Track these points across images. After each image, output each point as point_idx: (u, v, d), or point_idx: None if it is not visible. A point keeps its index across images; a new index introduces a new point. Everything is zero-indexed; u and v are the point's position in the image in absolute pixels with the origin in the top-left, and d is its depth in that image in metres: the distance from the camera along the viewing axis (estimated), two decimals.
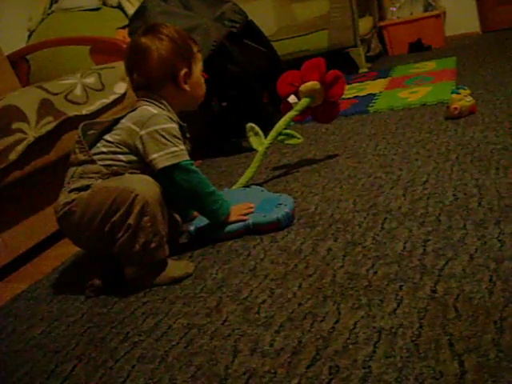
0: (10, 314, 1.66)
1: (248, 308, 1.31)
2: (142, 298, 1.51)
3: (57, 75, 2.37)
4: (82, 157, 1.59)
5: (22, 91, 2.11)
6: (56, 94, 2.05)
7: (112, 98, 2.27)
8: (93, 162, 1.57)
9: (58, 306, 1.61)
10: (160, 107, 1.65)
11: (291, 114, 2.13)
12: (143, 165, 1.59)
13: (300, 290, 1.33)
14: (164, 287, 1.53)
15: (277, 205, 1.74)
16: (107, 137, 1.62)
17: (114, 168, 1.58)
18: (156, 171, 1.56)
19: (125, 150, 1.60)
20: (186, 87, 1.69)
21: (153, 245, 1.51)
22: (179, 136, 1.62)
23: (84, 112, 2.13)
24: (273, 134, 2.11)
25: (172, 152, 1.57)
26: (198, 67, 1.74)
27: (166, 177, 1.57)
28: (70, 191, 1.56)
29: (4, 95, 2.03)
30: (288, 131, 2.15)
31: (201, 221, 1.76)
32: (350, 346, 1.08)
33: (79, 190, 1.55)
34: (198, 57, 1.75)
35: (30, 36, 3.43)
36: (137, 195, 1.46)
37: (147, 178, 1.54)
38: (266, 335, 1.19)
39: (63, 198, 1.57)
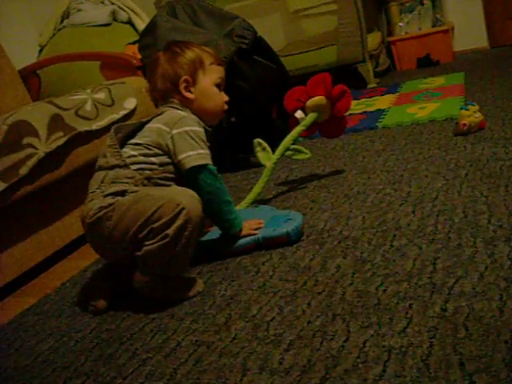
0: (19, 328, 1.66)
1: (257, 325, 1.31)
2: (150, 314, 1.51)
3: (67, 90, 2.39)
4: (114, 161, 1.58)
5: (33, 106, 2.12)
6: (66, 110, 2.06)
7: (122, 113, 2.28)
8: (126, 166, 1.57)
9: (66, 322, 1.61)
10: (185, 111, 1.69)
11: (298, 129, 2.14)
12: (175, 168, 1.61)
13: (309, 308, 1.32)
14: (172, 303, 1.53)
15: (286, 220, 1.75)
16: (134, 140, 1.63)
17: (147, 172, 1.59)
18: (184, 171, 1.59)
19: (156, 151, 1.61)
20: (190, 95, 1.72)
21: (180, 260, 1.51)
22: (205, 140, 1.65)
23: (94, 127, 2.14)
24: (280, 149, 2.12)
25: (201, 153, 1.60)
26: (208, 78, 1.76)
27: (192, 177, 1.59)
28: (105, 196, 1.53)
29: (15, 110, 2.04)
30: (296, 146, 2.16)
31: (212, 236, 1.76)
32: (360, 365, 1.08)
33: (115, 194, 1.53)
34: (212, 68, 1.77)
35: (40, 51, 3.46)
36: (183, 208, 1.45)
37: (193, 194, 1.52)
38: (275, 353, 1.19)
39: (97, 202, 1.53)
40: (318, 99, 2.12)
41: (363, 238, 1.62)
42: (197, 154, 1.59)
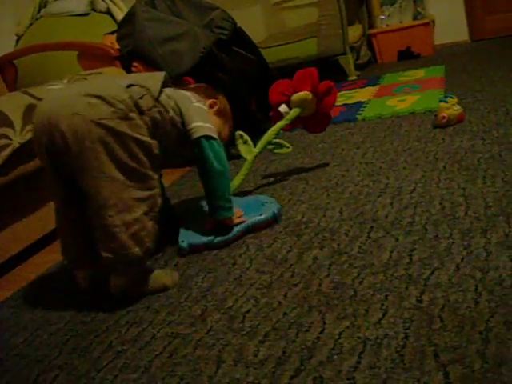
0: None
1: (233, 317, 1.30)
2: (126, 306, 1.49)
3: (44, 80, 2.35)
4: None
5: (9, 96, 2.09)
6: (42, 100, 2.03)
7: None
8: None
9: (41, 314, 1.59)
10: None
11: (281, 123, 2.12)
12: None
13: (285, 300, 1.32)
14: (148, 296, 1.52)
15: (263, 204, 1.81)
16: None
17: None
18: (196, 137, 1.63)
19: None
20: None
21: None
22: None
23: None
24: (262, 142, 2.10)
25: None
26: None
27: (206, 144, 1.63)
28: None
29: None
30: (277, 140, 2.14)
31: (190, 235, 1.75)
32: (335, 357, 1.07)
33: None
34: None
35: (17, 41, 3.41)
36: None
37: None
38: (251, 345, 1.18)
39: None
40: (304, 94, 2.10)
41: (340, 229, 1.62)
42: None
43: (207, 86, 1.92)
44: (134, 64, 2.53)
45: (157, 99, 1.57)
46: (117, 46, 2.63)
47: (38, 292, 1.75)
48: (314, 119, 2.18)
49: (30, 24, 3.37)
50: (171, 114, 1.61)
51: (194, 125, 1.63)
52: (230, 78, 2.58)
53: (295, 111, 2.12)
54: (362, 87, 3.61)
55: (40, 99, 2.01)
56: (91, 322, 1.46)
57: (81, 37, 2.91)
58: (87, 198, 1.44)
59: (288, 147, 2.17)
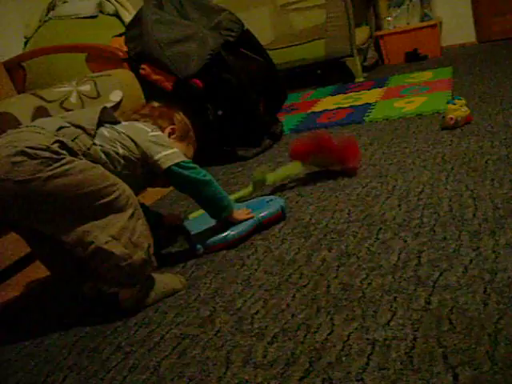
0: (2, 322, 1.64)
1: (241, 319, 1.31)
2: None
3: (53, 83, 2.36)
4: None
5: (18, 98, 2.10)
6: (51, 102, 2.04)
7: (107, 106, 2.26)
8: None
9: (50, 315, 1.60)
10: None
11: (298, 166, 2.13)
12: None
13: (294, 301, 1.32)
14: None
15: (267, 201, 1.85)
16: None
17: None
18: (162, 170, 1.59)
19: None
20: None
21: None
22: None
23: None
24: (276, 177, 2.12)
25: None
26: None
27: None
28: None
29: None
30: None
31: (202, 235, 1.76)
32: (344, 358, 1.07)
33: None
34: None
35: (26, 43, 3.42)
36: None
37: None
38: (259, 346, 1.18)
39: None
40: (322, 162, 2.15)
41: (348, 231, 1.62)
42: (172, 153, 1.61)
43: (161, 106, 1.86)
44: (142, 66, 2.54)
45: (94, 136, 1.52)
46: (125, 49, 2.63)
47: (47, 293, 1.75)
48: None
49: (39, 26, 3.38)
50: (121, 151, 1.56)
51: (158, 156, 1.58)
52: (238, 79, 2.58)
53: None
54: (369, 89, 3.61)
55: (50, 101, 2.02)
56: (100, 323, 1.47)
57: (89, 39, 2.91)
58: (62, 241, 1.40)
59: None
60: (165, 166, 1.58)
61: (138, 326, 1.40)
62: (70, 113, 1.65)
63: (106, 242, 1.37)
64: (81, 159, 1.41)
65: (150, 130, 1.65)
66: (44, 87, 2.24)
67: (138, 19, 2.64)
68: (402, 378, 0.98)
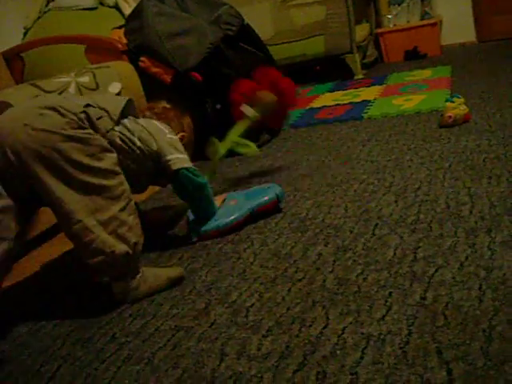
0: None
1: (236, 311, 1.31)
2: None
3: (51, 74, 2.36)
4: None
5: (16, 88, 2.09)
6: (49, 92, 2.03)
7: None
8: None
9: (44, 305, 1.60)
10: None
11: (245, 123, 2.12)
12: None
13: (289, 295, 1.32)
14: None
15: (265, 189, 1.86)
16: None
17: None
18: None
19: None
20: None
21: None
22: None
23: None
24: (227, 143, 2.10)
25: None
26: None
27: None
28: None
29: None
30: (243, 140, 2.14)
31: (197, 224, 1.78)
32: (338, 352, 1.08)
33: None
34: None
35: (25, 34, 3.41)
36: None
37: None
38: (254, 339, 1.18)
39: None
40: (267, 97, 2.13)
41: (345, 226, 1.62)
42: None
43: (172, 108, 1.89)
44: (142, 59, 2.53)
45: (117, 123, 1.56)
46: (124, 41, 2.63)
47: (41, 283, 1.76)
48: (275, 116, 2.24)
49: (38, 17, 3.36)
50: (138, 143, 1.60)
51: (170, 157, 1.64)
52: (237, 74, 2.57)
53: (254, 116, 2.12)
54: (368, 86, 3.61)
55: (48, 91, 2.02)
56: (95, 314, 1.47)
57: (88, 31, 2.90)
58: (53, 210, 1.41)
59: (253, 148, 2.16)
60: (175, 167, 1.64)
61: (133, 318, 1.40)
62: (96, 95, 1.66)
63: (93, 226, 1.38)
64: None
65: (167, 131, 1.71)
66: (43, 78, 2.23)
67: (138, 12, 2.64)
68: (396, 373, 0.98)
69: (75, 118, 1.39)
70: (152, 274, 1.52)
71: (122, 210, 1.43)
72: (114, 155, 1.47)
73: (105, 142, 1.45)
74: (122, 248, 1.41)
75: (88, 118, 1.43)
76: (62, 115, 1.37)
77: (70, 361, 1.28)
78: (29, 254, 2.03)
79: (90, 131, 1.42)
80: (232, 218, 1.75)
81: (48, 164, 1.35)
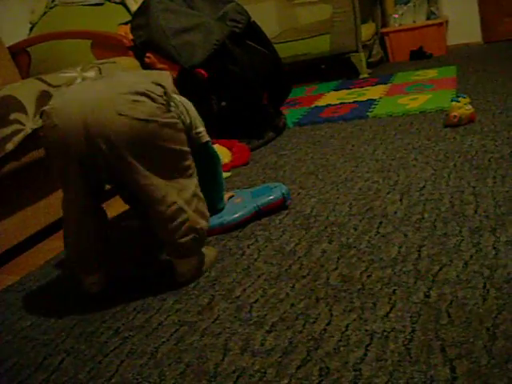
0: (1, 305, 1.64)
1: (240, 307, 1.31)
2: (133, 293, 1.50)
3: (57, 68, 2.36)
4: None
5: (22, 83, 2.10)
6: (55, 87, 2.04)
7: None
8: None
9: (48, 299, 1.60)
10: None
11: None
12: None
13: (293, 291, 1.32)
14: (156, 283, 1.53)
15: (271, 188, 1.85)
16: None
17: None
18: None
19: None
20: None
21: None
22: None
23: None
24: None
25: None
26: None
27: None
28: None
29: (3, 86, 2.01)
30: None
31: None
32: (342, 348, 1.08)
33: None
34: None
35: (31, 28, 3.41)
36: None
37: None
38: (258, 335, 1.18)
39: None
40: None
41: (349, 224, 1.62)
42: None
43: None
44: (148, 55, 2.53)
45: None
46: (130, 37, 2.63)
47: (46, 277, 1.75)
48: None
49: (45, 12, 3.37)
50: (182, 117, 1.56)
51: (200, 129, 1.64)
52: (243, 71, 2.58)
53: None
54: (373, 85, 3.60)
55: (54, 86, 2.02)
56: (98, 308, 1.47)
57: (95, 26, 2.90)
58: (143, 196, 1.42)
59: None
60: (205, 139, 1.66)
61: (137, 312, 1.40)
62: (139, 72, 1.63)
63: (184, 205, 1.43)
64: None
65: (191, 103, 1.68)
66: (48, 73, 2.24)
67: (144, 8, 2.64)
68: (400, 370, 0.98)
69: (163, 101, 1.39)
70: (206, 253, 1.56)
71: (197, 186, 1.49)
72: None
73: (180, 123, 1.45)
74: (204, 224, 1.48)
75: (167, 99, 1.42)
76: (153, 100, 1.36)
77: (73, 354, 1.28)
78: (33, 248, 2.05)
79: (174, 114, 1.42)
80: (236, 215, 1.75)
81: (143, 153, 1.37)
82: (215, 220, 1.74)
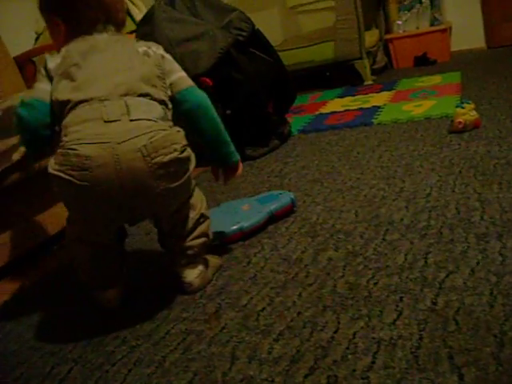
0: (8, 313, 1.65)
1: (247, 315, 1.31)
2: (140, 302, 1.51)
3: None
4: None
5: (28, 92, 2.10)
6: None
7: None
8: None
9: (56, 308, 1.61)
10: None
11: None
12: None
13: (300, 299, 1.32)
14: (163, 292, 1.53)
15: (277, 195, 1.88)
16: None
17: None
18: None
19: None
20: None
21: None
22: None
23: None
24: None
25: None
26: None
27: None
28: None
29: (10, 96, 2.02)
30: None
31: (217, 227, 1.77)
32: (349, 356, 1.08)
33: None
34: None
35: (37, 39, 3.44)
36: None
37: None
38: (265, 343, 1.18)
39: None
40: None
41: (355, 231, 1.62)
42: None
43: None
44: None
45: None
46: None
47: (53, 286, 1.76)
48: None
49: None
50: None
51: (179, 74, 1.50)
52: (247, 79, 2.59)
53: None
54: (377, 92, 3.61)
55: None
56: (105, 317, 1.47)
57: None
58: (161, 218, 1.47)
59: None
60: (188, 83, 1.52)
61: (144, 321, 1.40)
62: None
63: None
64: None
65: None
66: None
67: (149, 17, 2.65)
68: (408, 377, 0.98)
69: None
70: (209, 260, 1.57)
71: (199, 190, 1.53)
72: None
73: None
74: (211, 230, 1.56)
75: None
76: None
77: (80, 363, 1.29)
78: (41, 256, 2.05)
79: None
80: (254, 220, 1.76)
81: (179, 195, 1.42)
82: (233, 226, 1.74)
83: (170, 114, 1.43)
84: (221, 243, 1.72)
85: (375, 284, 1.31)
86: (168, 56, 1.52)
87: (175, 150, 1.29)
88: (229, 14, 2.68)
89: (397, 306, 1.20)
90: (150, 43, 1.53)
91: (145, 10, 2.97)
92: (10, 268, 1.97)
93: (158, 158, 1.26)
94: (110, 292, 1.50)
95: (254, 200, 1.88)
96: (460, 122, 2.31)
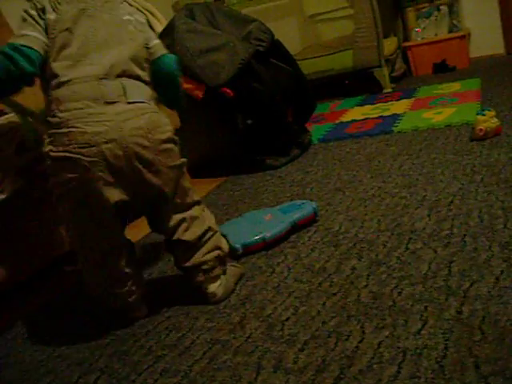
0: (35, 323, 1.67)
1: (272, 325, 1.32)
2: (165, 312, 1.52)
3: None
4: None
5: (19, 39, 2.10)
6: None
7: None
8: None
9: (82, 318, 1.63)
10: None
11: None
12: None
13: (324, 309, 1.33)
14: (187, 302, 1.54)
15: (300, 205, 1.89)
16: None
17: None
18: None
19: None
20: None
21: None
22: None
23: None
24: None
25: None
26: None
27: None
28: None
29: None
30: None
31: (239, 237, 1.79)
32: (375, 366, 1.08)
33: None
34: None
35: None
36: None
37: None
38: (290, 352, 1.19)
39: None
40: None
41: (378, 240, 1.62)
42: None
43: None
44: None
45: None
46: None
47: (79, 296, 1.78)
48: None
49: None
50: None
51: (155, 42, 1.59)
52: (267, 89, 2.60)
53: None
54: (397, 100, 3.60)
55: None
56: (131, 327, 1.49)
57: None
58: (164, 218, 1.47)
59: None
60: (163, 51, 1.62)
61: (169, 331, 1.42)
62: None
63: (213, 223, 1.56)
64: None
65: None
66: None
67: (169, 29, 2.68)
68: None
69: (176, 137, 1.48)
70: (229, 269, 1.58)
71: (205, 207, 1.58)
72: None
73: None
74: (224, 243, 1.58)
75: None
76: (176, 143, 1.46)
77: (107, 373, 1.30)
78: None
79: None
80: (276, 230, 1.77)
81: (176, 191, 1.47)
82: (256, 236, 1.76)
83: (154, 94, 1.50)
84: (244, 253, 1.74)
85: (399, 293, 1.31)
86: (144, 20, 1.65)
87: (168, 130, 1.42)
88: (248, 25, 2.70)
89: (421, 315, 1.20)
90: (132, 9, 1.60)
91: (165, 22, 3.00)
92: (33, 280, 2.00)
93: (157, 136, 1.37)
94: (139, 311, 1.54)
95: (277, 210, 1.89)
96: (481, 130, 2.30)
